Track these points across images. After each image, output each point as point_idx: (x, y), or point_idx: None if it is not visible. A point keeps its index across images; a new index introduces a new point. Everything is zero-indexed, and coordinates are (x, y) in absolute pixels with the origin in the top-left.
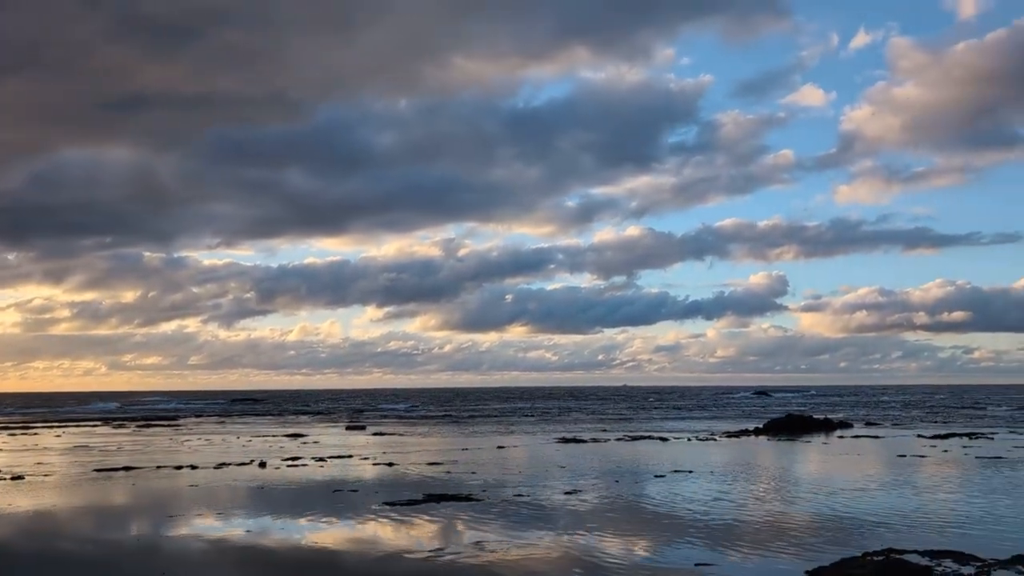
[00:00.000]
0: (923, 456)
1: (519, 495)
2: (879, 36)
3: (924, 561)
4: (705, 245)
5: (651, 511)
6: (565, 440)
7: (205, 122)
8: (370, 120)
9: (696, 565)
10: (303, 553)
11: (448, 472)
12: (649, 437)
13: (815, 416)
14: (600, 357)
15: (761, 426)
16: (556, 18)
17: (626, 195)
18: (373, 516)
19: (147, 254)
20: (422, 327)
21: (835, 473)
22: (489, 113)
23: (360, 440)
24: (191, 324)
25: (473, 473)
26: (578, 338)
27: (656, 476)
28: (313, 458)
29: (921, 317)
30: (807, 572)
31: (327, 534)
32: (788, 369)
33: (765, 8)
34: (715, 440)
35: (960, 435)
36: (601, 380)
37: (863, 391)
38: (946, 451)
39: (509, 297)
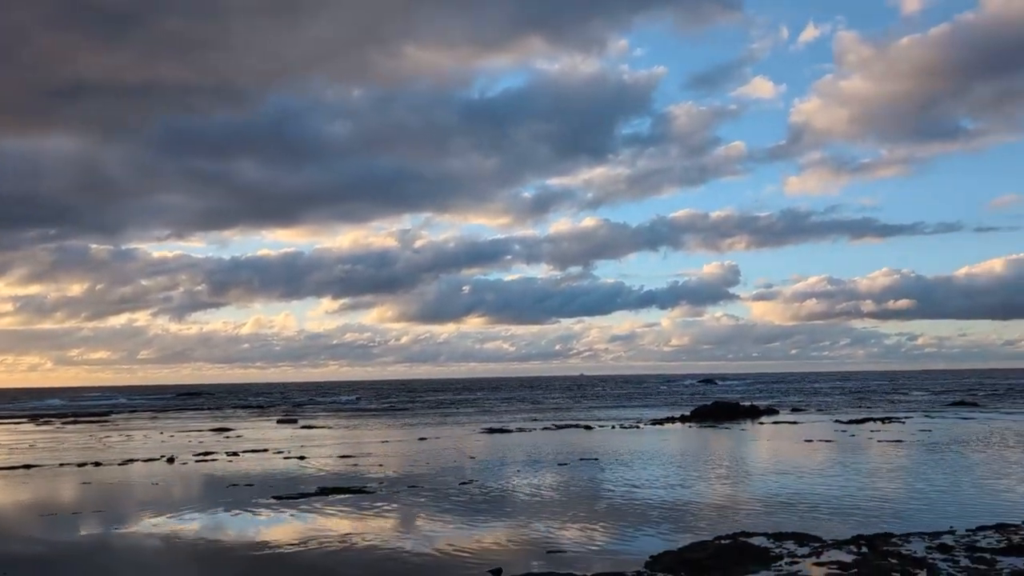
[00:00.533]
0: (828, 441)
1: (414, 486)
2: (827, 30)
3: (767, 543)
4: (659, 236)
5: (530, 499)
6: (491, 431)
7: (151, 111)
8: (322, 109)
9: (548, 552)
10: (152, 544)
11: (355, 465)
12: (576, 426)
13: (742, 403)
14: (557, 347)
15: (688, 413)
16: (510, 8)
17: (582, 186)
18: (252, 510)
19: (94, 246)
20: (378, 319)
21: (733, 458)
22: (444, 103)
23: (285, 434)
24: (141, 317)
25: (380, 466)
26: (535, 328)
27: (560, 464)
28: (227, 453)
29: (868, 305)
30: (651, 556)
31: (190, 527)
32: (740, 357)
33: (716, 0)
34: (638, 428)
35: (875, 420)
36: (559, 370)
37: (809, 378)
38: (853, 435)
39: (466, 288)
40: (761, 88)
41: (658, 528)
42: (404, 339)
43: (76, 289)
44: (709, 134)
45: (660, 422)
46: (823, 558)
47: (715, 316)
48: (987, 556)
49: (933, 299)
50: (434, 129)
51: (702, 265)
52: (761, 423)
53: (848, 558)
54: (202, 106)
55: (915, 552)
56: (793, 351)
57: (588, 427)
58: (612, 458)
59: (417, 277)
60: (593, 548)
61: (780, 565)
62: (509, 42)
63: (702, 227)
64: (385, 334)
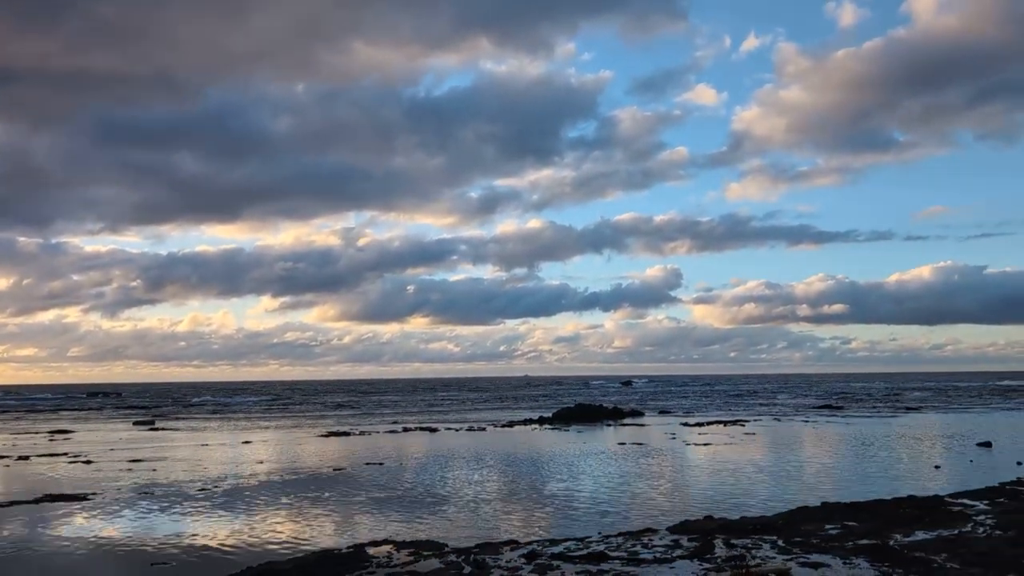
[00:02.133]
0: (640, 444)
1: (147, 492)
2: (768, 40)
3: (390, 550)
4: (603, 238)
5: (237, 502)
6: (334, 434)
7: (83, 100)
8: (264, 104)
9: (151, 564)
10: None
11: (130, 470)
12: (424, 429)
13: (605, 406)
14: (502, 348)
15: (550, 415)
16: (458, 8)
17: (528, 188)
18: None
19: (21, 239)
20: (320, 318)
21: (524, 461)
22: (390, 101)
23: (124, 436)
24: (71, 314)
25: (154, 471)
26: (480, 329)
27: (336, 469)
28: (19, 457)
29: (804, 309)
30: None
31: None
32: (682, 359)
33: (662, 9)
34: (484, 430)
35: (723, 422)
36: (504, 371)
37: (742, 380)
38: (673, 437)
39: (411, 288)
40: (704, 95)
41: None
42: (347, 339)
43: (2, 283)
44: (653, 139)
45: (512, 424)
46: (415, 567)
47: (657, 319)
48: (550, 563)
49: (866, 304)
50: (380, 126)
51: (645, 268)
52: (608, 424)
53: (434, 566)
54: (139, 97)
55: (501, 561)
56: (732, 353)
57: (433, 430)
58: (395, 463)
59: (360, 276)
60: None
61: (372, 570)
62: (457, 42)
63: (645, 231)
64: (327, 333)
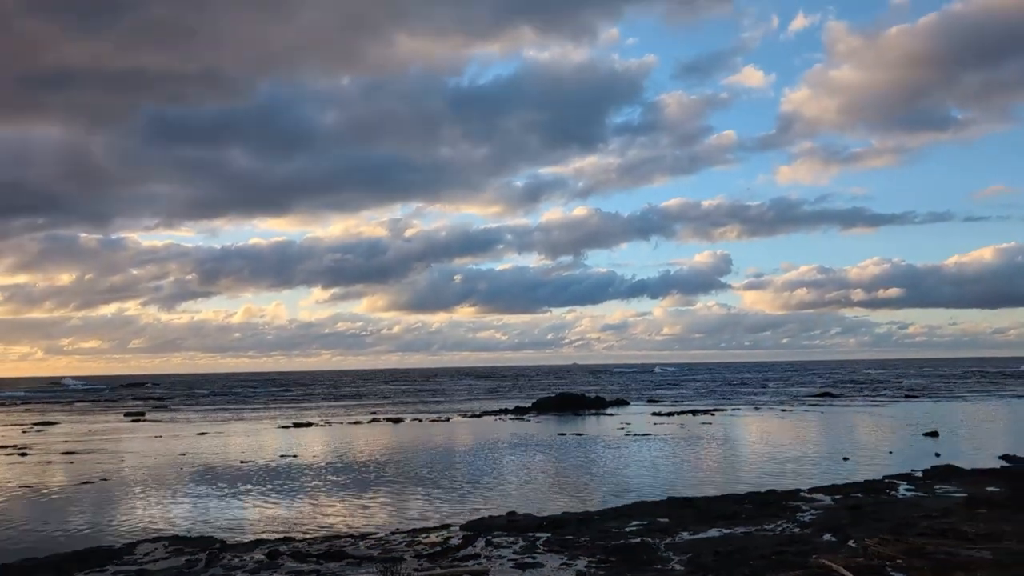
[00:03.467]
0: (579, 435)
1: (27, 487)
2: (816, 20)
3: (158, 545)
4: (650, 225)
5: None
6: (299, 425)
7: (137, 100)
8: (312, 98)
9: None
10: None
11: (49, 463)
12: (391, 419)
13: (587, 395)
14: (549, 336)
15: (529, 404)
16: None
17: (573, 175)
18: None
19: (83, 235)
20: (369, 308)
21: (417, 451)
22: (434, 91)
23: (94, 427)
24: (131, 307)
25: (48, 463)
26: (527, 318)
27: (243, 462)
28: None
29: (858, 294)
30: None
31: None
32: (732, 346)
33: None
34: (447, 421)
35: (700, 411)
36: (552, 359)
37: (787, 367)
38: (623, 427)
39: (458, 277)
40: (752, 77)
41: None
42: (396, 328)
43: (65, 278)
44: (700, 123)
45: (482, 415)
46: (161, 564)
47: (707, 305)
48: (278, 562)
49: (923, 288)
50: (424, 117)
51: (693, 254)
52: (582, 414)
53: (178, 562)
54: (190, 95)
55: (243, 559)
56: (784, 340)
57: (397, 420)
58: (316, 455)
59: (408, 266)
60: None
61: (127, 566)
62: (499, 30)
63: (693, 216)
64: (377, 323)
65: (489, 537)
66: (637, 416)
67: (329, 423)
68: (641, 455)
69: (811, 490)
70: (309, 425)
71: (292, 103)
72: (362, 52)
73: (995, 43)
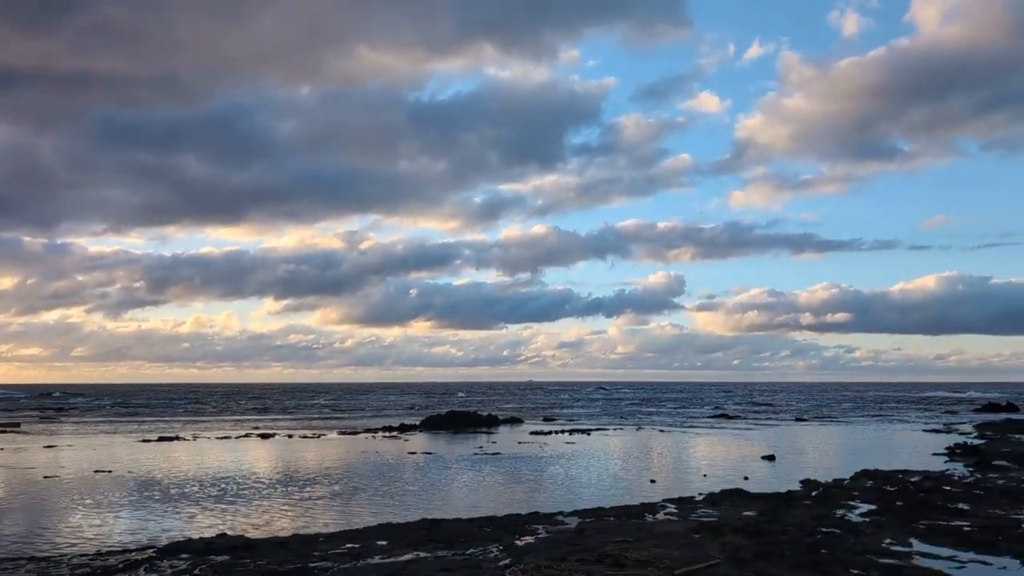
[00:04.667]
0: (428, 453)
1: None
2: (771, 49)
3: None
4: (607, 244)
5: None
6: (162, 439)
7: (87, 101)
8: (269, 107)
9: None
10: None
11: None
12: (263, 435)
13: (480, 413)
14: (505, 352)
15: (417, 422)
16: (462, 13)
17: (532, 193)
18: None
19: (27, 239)
20: (323, 321)
21: (208, 472)
22: (394, 105)
23: None
24: (75, 314)
25: None
26: (483, 334)
27: (46, 477)
28: None
29: (807, 318)
30: None
31: None
32: (685, 366)
33: (666, 16)
34: (317, 438)
35: (576, 431)
36: (507, 376)
37: (738, 388)
38: (479, 448)
39: (414, 292)
40: (708, 103)
41: None
42: (349, 342)
43: (7, 283)
44: (657, 146)
45: (358, 432)
46: None
47: (660, 325)
48: None
49: (870, 313)
50: (384, 130)
51: (648, 275)
52: (464, 433)
53: None
54: (143, 99)
55: None
56: (735, 361)
57: (269, 436)
58: (132, 471)
59: (363, 279)
60: None
61: None
62: (461, 47)
63: (649, 237)
64: (330, 336)
65: (170, 560)
66: (516, 434)
67: (196, 437)
68: (462, 474)
69: (570, 512)
70: (175, 439)
71: (249, 111)
72: (322, 63)
73: (941, 78)
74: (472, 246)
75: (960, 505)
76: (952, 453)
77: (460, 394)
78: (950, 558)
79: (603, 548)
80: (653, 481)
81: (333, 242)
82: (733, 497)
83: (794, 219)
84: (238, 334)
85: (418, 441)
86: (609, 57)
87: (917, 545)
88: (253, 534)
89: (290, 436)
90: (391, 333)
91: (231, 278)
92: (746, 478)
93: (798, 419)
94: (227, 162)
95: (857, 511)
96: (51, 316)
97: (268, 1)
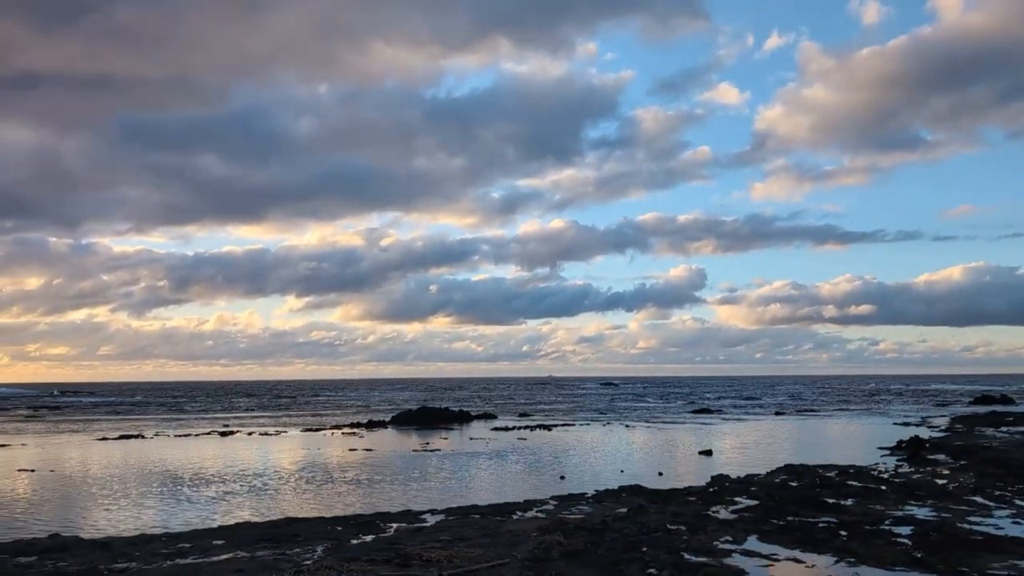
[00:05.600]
0: (368, 450)
1: None
2: (791, 39)
3: None
4: (626, 238)
5: None
6: (123, 437)
7: (107, 103)
8: (287, 105)
9: None
10: None
11: None
12: (224, 433)
13: (451, 408)
14: (525, 348)
15: (388, 418)
16: (477, 8)
17: (550, 188)
18: None
19: (52, 239)
20: (344, 317)
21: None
22: (411, 102)
23: None
24: (100, 313)
25: None
26: (503, 329)
27: None
28: None
29: (830, 310)
30: None
31: None
32: (707, 360)
33: (683, 8)
34: (277, 435)
35: (544, 427)
36: (528, 371)
37: (756, 382)
38: (427, 444)
39: (433, 287)
40: (727, 94)
41: None
42: (371, 338)
43: (33, 283)
44: (676, 138)
45: (322, 428)
46: None
47: (682, 319)
48: None
49: (894, 305)
50: (401, 127)
51: (668, 268)
52: (434, 428)
53: None
54: (161, 100)
55: None
56: (758, 355)
57: (229, 433)
58: (59, 468)
59: (384, 276)
60: None
61: None
62: (477, 42)
63: (669, 230)
64: (352, 333)
65: None
66: (477, 431)
67: (156, 435)
68: (378, 472)
69: (441, 510)
70: (135, 438)
71: (268, 110)
72: (338, 60)
73: (963, 66)
74: (491, 241)
75: (843, 502)
76: (897, 447)
77: (460, 390)
78: (769, 556)
79: (409, 548)
80: (563, 477)
81: (354, 239)
82: (625, 494)
83: (816, 211)
84: (261, 332)
85: (374, 438)
86: (626, 50)
87: (750, 543)
88: (92, 534)
89: (250, 434)
90: (411, 329)
91: (253, 276)
92: (660, 474)
93: (777, 413)
94: (247, 161)
95: (732, 508)
96: (77, 316)
97: None
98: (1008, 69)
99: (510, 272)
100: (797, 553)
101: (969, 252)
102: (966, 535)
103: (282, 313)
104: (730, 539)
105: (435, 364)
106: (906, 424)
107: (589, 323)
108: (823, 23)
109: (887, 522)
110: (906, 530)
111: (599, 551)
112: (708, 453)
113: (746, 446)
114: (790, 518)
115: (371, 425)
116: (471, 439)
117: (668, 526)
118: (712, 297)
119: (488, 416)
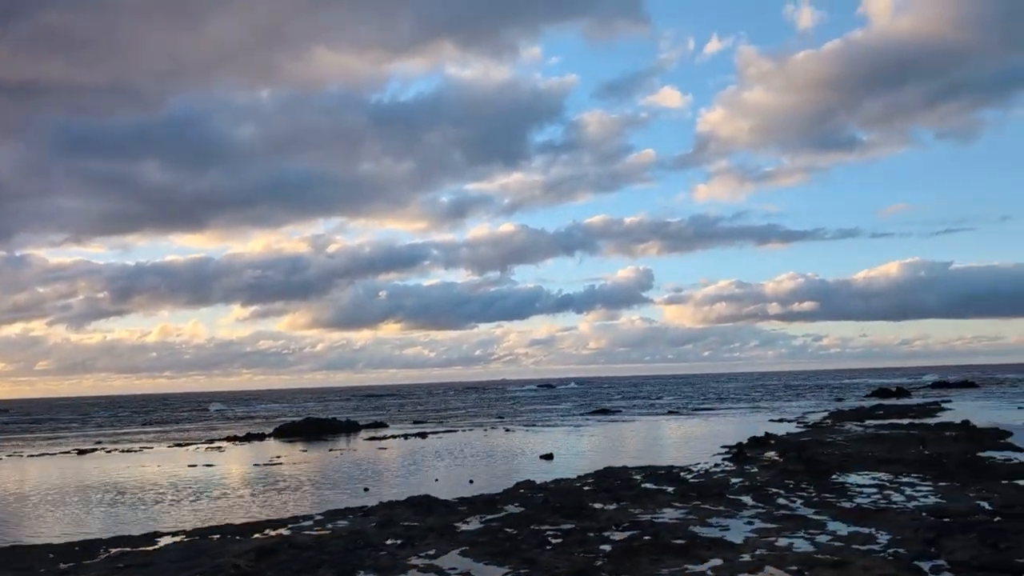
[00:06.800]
0: (180, 467)
1: None
2: (730, 43)
3: None
4: (575, 241)
5: None
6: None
7: (39, 110)
8: (229, 111)
9: None
10: None
11: None
12: (83, 451)
13: (339, 419)
14: (477, 352)
15: (270, 431)
16: (420, 12)
17: (498, 192)
18: None
19: None
20: (292, 326)
21: None
22: (355, 106)
23: None
24: (37, 327)
25: None
26: (455, 334)
27: None
28: None
29: (774, 307)
30: None
31: None
32: (656, 359)
33: (625, 12)
34: (141, 451)
35: (422, 435)
36: (481, 375)
37: (699, 380)
38: (278, 457)
39: (383, 294)
40: (669, 98)
41: None
42: (319, 346)
43: None
44: (620, 142)
45: (188, 444)
46: None
47: (630, 319)
48: None
49: (835, 301)
50: (346, 132)
51: (617, 270)
52: (321, 440)
53: None
54: (97, 106)
55: None
56: (706, 353)
57: (87, 451)
58: None
59: (331, 283)
60: None
61: None
62: (421, 46)
63: (616, 232)
64: (300, 341)
65: None
66: (351, 443)
67: (12, 455)
68: (179, 492)
69: (191, 531)
70: None
71: (208, 116)
72: (280, 66)
73: (895, 69)
74: (440, 246)
75: (608, 506)
76: (735, 446)
77: (391, 397)
78: (447, 570)
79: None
80: (367, 489)
81: (299, 246)
82: (407, 505)
83: (758, 211)
84: (206, 342)
85: (237, 452)
86: (570, 54)
87: (446, 558)
88: None
89: (108, 452)
90: (361, 336)
91: (197, 285)
92: (471, 481)
93: (670, 412)
94: (188, 168)
95: (489, 517)
96: (12, 330)
97: (221, 4)
98: (936, 72)
99: (461, 276)
100: (480, 566)
101: (904, 248)
102: (669, 540)
103: (228, 322)
104: (432, 552)
105: (386, 371)
106: (781, 420)
107: (540, 325)
108: (760, 27)
109: (622, 527)
110: (625, 535)
111: (268, 574)
112: (549, 457)
113: (599, 448)
114: (533, 527)
115: (249, 438)
116: (330, 451)
117: (386, 541)
118: (659, 297)
119: (379, 425)
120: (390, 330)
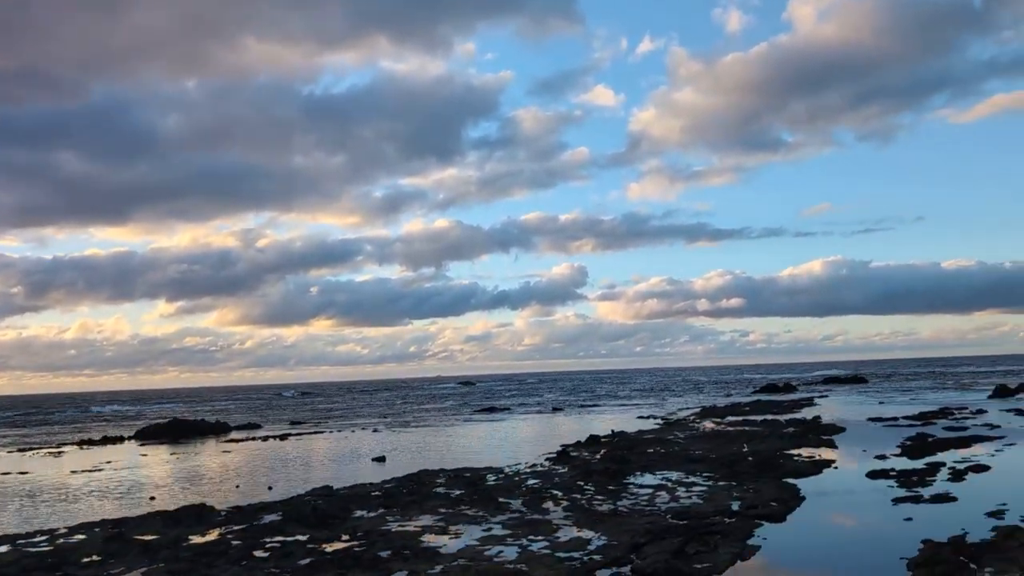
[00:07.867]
0: (23, 473)
1: None
2: (661, 44)
3: None
4: (510, 237)
5: None
6: None
7: None
8: (153, 101)
9: None
10: None
11: None
12: None
13: (207, 420)
14: (412, 349)
15: (132, 433)
16: (354, 5)
17: (433, 187)
18: None
19: None
20: (220, 322)
21: None
22: (286, 98)
23: None
24: None
25: None
26: (388, 330)
27: None
28: None
29: (703, 304)
30: None
31: None
32: (590, 354)
33: (559, 11)
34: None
35: (282, 436)
36: (416, 372)
37: (630, 375)
38: (143, 457)
39: (314, 289)
40: (602, 96)
41: None
42: (249, 343)
43: None
44: (555, 139)
45: (37, 448)
46: None
47: (565, 316)
48: None
49: (761, 298)
50: (276, 124)
51: (551, 266)
52: (184, 442)
53: None
54: (11, 94)
55: None
56: (638, 348)
57: None
58: None
59: (261, 278)
60: None
61: None
62: (354, 39)
63: (551, 229)
64: (228, 338)
65: None
66: (214, 444)
67: None
68: None
69: None
70: None
71: (131, 105)
72: (207, 56)
73: (817, 73)
74: (374, 241)
75: (369, 513)
76: (568, 446)
77: (287, 393)
78: None
79: None
80: (153, 498)
81: (228, 240)
82: (145, 520)
83: (688, 209)
84: (129, 339)
85: (73, 458)
86: (505, 51)
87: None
88: None
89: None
90: (292, 333)
91: (119, 280)
92: (270, 488)
93: (555, 409)
94: (109, 159)
95: (255, 523)
96: None
97: None
98: (857, 76)
99: (395, 272)
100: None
101: (827, 247)
102: (377, 551)
103: (152, 319)
104: (119, 571)
105: (319, 368)
106: (650, 417)
107: (476, 322)
108: (690, 29)
109: (356, 536)
110: (344, 546)
111: None
112: (381, 460)
113: (440, 449)
114: (266, 538)
115: (104, 441)
116: (172, 455)
117: (81, 560)
118: (593, 294)
119: (252, 426)
120: (322, 326)
